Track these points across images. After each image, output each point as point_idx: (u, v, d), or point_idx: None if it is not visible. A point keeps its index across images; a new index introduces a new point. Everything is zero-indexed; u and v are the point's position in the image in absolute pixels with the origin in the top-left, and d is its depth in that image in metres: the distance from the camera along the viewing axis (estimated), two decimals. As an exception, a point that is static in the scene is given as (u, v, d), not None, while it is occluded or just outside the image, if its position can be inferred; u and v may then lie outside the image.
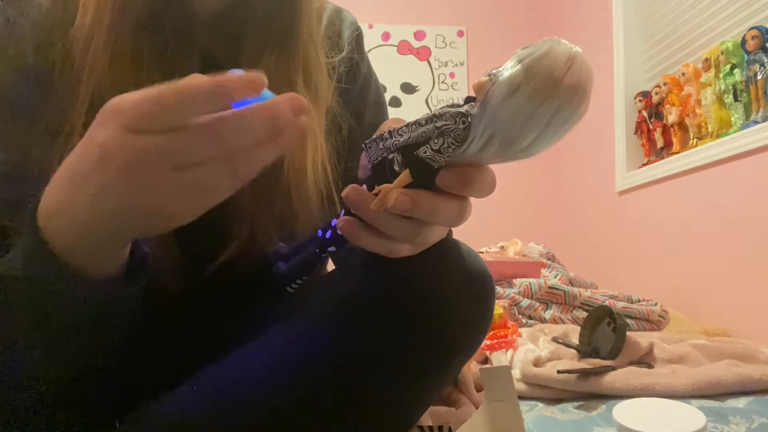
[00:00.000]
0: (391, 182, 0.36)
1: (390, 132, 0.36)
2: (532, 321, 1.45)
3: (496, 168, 0.36)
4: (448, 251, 0.48)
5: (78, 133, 0.47)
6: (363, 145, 0.39)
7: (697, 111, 1.75)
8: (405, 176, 0.36)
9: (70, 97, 0.48)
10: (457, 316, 0.48)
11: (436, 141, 0.34)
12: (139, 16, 0.49)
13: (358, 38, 0.70)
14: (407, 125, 0.36)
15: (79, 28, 0.49)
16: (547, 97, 0.32)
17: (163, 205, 0.33)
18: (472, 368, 1.00)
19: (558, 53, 0.32)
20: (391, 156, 0.36)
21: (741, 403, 0.87)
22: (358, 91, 0.68)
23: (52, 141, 0.47)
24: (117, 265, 0.39)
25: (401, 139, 0.35)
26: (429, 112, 0.35)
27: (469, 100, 0.35)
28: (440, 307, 0.46)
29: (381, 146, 0.37)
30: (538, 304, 1.50)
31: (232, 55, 0.55)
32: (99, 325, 0.40)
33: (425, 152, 0.34)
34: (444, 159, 0.34)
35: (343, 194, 0.39)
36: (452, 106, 0.35)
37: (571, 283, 1.67)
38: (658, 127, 1.98)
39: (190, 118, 0.31)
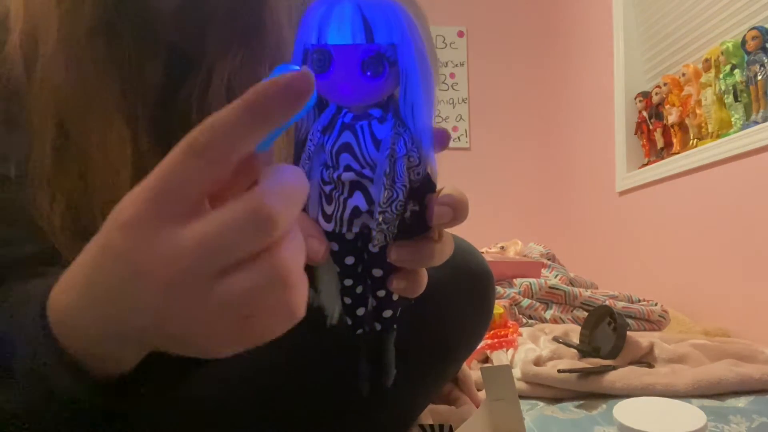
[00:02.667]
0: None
1: (380, 213, 0.30)
2: (532, 321, 1.45)
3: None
4: None
5: (49, 159, 0.42)
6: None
7: (698, 111, 1.75)
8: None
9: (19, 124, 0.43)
10: (458, 312, 0.48)
11: (411, 159, 0.30)
12: (91, 24, 0.45)
13: None
14: (385, 198, 0.30)
15: (12, 46, 0.44)
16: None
17: (201, 334, 0.26)
18: (472, 367, 1.00)
19: None
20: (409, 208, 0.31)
21: (741, 402, 0.87)
22: None
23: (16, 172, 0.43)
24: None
25: (402, 197, 0.30)
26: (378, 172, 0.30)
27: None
28: (440, 303, 0.46)
29: (382, 227, 0.31)
30: (538, 304, 1.51)
31: (199, 51, 0.51)
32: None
33: (422, 172, 0.31)
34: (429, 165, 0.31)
35: (396, 259, 0.31)
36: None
37: (572, 283, 1.67)
38: (659, 127, 1.98)
39: (231, 157, 0.24)
